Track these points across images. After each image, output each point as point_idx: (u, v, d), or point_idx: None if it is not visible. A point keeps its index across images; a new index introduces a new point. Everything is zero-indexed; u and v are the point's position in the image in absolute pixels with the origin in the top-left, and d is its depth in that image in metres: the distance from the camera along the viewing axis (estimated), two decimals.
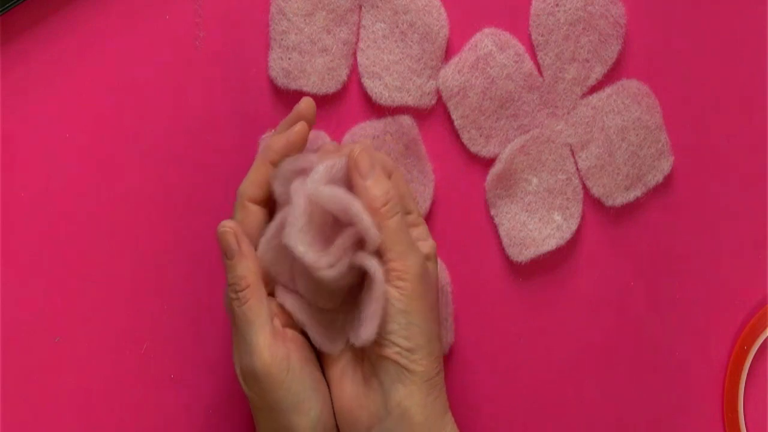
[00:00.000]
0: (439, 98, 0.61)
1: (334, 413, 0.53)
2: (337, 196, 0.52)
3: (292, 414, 0.52)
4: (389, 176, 0.55)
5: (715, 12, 0.62)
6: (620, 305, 0.63)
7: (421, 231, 0.56)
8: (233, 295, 0.52)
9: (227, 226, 0.53)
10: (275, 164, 0.54)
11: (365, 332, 0.51)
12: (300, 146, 0.55)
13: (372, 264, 0.52)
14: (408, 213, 0.56)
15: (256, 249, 0.54)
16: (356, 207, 0.51)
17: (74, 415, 0.60)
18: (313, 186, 0.52)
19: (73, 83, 0.60)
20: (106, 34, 0.60)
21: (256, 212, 0.54)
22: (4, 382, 0.59)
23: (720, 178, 0.63)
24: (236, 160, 0.60)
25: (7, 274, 0.60)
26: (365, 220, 0.51)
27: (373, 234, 0.51)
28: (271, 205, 0.55)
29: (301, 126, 0.55)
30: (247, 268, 0.53)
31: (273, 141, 0.55)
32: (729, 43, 0.62)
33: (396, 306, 0.51)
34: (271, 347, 0.51)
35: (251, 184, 0.55)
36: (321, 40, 0.60)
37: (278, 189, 0.54)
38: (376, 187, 0.52)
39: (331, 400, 0.54)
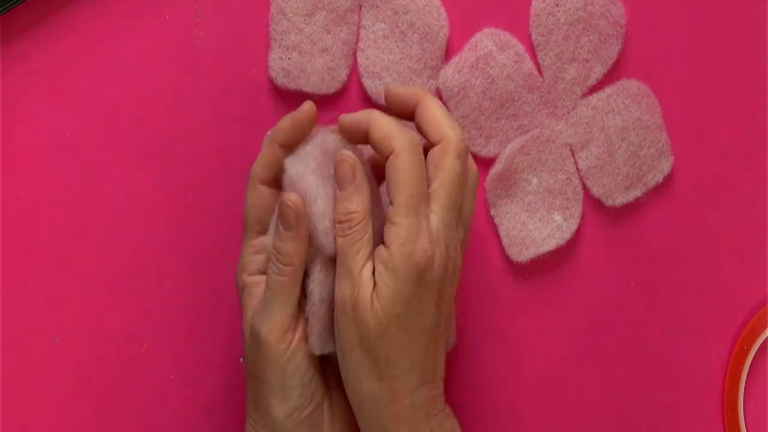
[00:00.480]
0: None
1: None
2: (303, 183, 0.52)
3: (272, 394, 0.52)
4: (389, 153, 0.51)
5: (715, 12, 0.62)
6: (620, 305, 0.63)
7: (395, 232, 0.50)
8: (274, 261, 0.53)
9: (291, 200, 0.52)
10: (283, 145, 0.54)
11: (309, 345, 0.52)
12: (307, 125, 0.54)
13: (311, 279, 0.52)
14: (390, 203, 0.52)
15: (266, 231, 0.55)
16: (317, 207, 0.52)
17: (74, 415, 0.60)
18: (290, 165, 0.52)
19: (73, 83, 0.59)
20: (106, 34, 0.60)
21: (265, 194, 0.55)
22: (4, 382, 0.59)
23: (720, 178, 0.63)
24: (236, 161, 0.60)
25: (7, 274, 0.59)
26: (319, 225, 0.51)
27: (321, 241, 0.51)
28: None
29: (308, 105, 0.54)
30: (296, 251, 0.52)
31: (280, 121, 0.55)
32: (729, 43, 0.62)
33: (336, 331, 0.52)
34: (283, 325, 0.52)
35: (259, 166, 0.55)
36: (321, 40, 0.60)
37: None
38: (342, 201, 0.52)
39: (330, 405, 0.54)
